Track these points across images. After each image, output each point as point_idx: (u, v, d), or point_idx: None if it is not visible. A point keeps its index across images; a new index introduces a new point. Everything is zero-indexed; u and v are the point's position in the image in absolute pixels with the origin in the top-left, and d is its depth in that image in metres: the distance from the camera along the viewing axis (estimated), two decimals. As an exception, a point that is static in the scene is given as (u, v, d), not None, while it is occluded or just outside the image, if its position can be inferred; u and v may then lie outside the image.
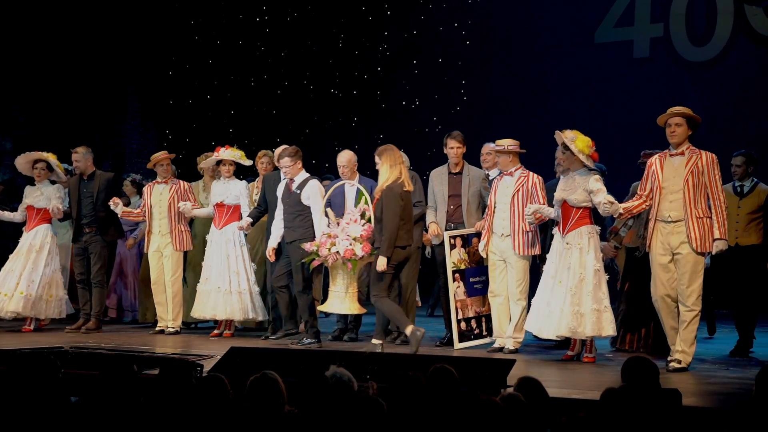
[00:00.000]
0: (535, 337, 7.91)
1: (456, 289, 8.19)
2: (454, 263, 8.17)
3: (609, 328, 7.26)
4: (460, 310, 8.17)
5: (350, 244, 7.67)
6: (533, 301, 7.49)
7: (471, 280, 8.22)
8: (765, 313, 9.45)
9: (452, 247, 8.16)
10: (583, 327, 7.20)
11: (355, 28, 14.31)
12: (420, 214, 8.39)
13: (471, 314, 8.19)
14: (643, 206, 7.12)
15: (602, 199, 7.19)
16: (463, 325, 8.17)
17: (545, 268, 7.51)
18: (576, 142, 7.30)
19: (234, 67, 14.21)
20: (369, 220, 7.82)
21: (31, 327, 9.34)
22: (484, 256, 8.01)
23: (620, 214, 7.26)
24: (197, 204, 9.27)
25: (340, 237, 7.71)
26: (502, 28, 13.77)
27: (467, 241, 8.23)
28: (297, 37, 14.30)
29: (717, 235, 6.87)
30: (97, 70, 12.92)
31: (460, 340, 8.12)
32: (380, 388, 4.63)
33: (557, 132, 7.44)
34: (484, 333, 8.19)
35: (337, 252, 7.68)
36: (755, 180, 8.07)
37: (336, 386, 4.20)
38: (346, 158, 8.66)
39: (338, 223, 7.87)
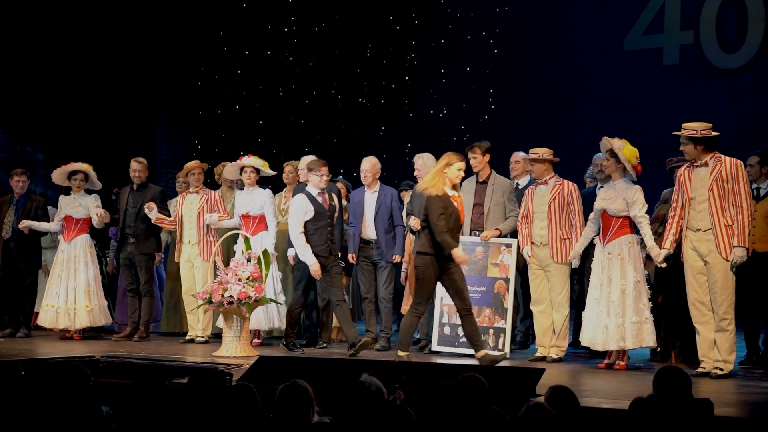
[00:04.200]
0: (587, 348, 7.90)
1: (445, 294, 8.20)
2: None
3: (650, 339, 7.33)
4: (446, 315, 8.19)
5: (242, 287, 7.87)
6: (584, 313, 7.49)
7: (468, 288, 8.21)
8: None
9: None
10: (626, 339, 7.25)
11: (383, 37, 14.34)
12: None
13: (459, 322, 8.16)
14: (679, 223, 7.07)
15: (638, 212, 7.24)
16: (447, 329, 8.18)
17: (590, 279, 7.53)
18: (623, 150, 7.33)
19: (262, 77, 14.28)
20: (258, 262, 8.21)
21: (80, 336, 9.49)
22: (529, 263, 8.01)
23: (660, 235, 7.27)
24: (226, 215, 9.29)
25: (231, 281, 7.91)
26: (531, 37, 13.75)
27: (470, 249, 8.21)
28: (325, 47, 14.36)
29: (735, 242, 6.82)
30: (127, 80, 13.02)
31: (439, 344, 8.21)
32: (409, 396, 4.63)
33: (605, 138, 7.44)
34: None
35: (231, 296, 7.84)
36: None
37: (367, 395, 4.19)
38: (370, 163, 8.79)
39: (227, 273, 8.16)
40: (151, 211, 9.23)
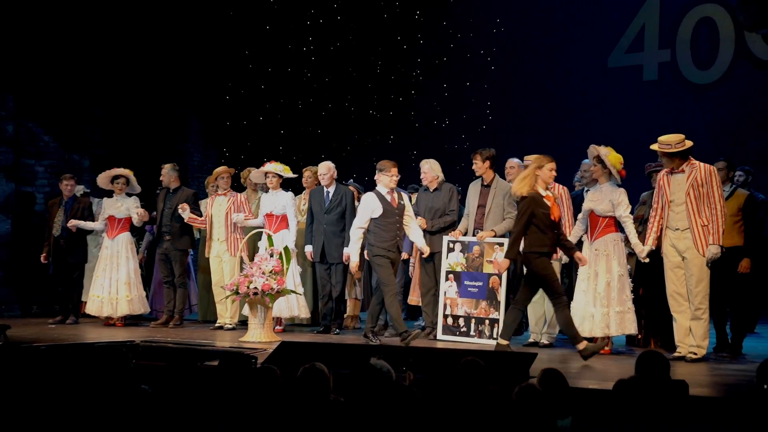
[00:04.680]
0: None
1: (447, 288, 8.18)
2: (450, 265, 8.19)
3: (631, 327, 7.33)
4: (448, 306, 8.18)
5: (266, 280, 7.87)
6: (572, 304, 7.48)
7: (466, 282, 8.16)
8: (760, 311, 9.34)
9: (451, 250, 8.21)
10: (610, 326, 7.24)
11: (391, 55, 14.34)
12: (450, 222, 8.42)
13: (460, 313, 8.13)
14: (660, 222, 7.08)
15: (623, 213, 7.23)
16: (449, 320, 8.16)
17: (578, 272, 7.52)
18: (609, 156, 7.32)
19: (283, 92, 14.30)
20: (280, 257, 8.11)
21: (122, 323, 9.50)
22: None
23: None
24: (251, 215, 9.31)
25: (256, 275, 7.90)
26: (524, 55, 13.73)
27: (468, 247, 8.19)
28: (339, 64, 14.36)
29: (711, 240, 6.85)
30: (163, 95, 13.06)
31: (443, 333, 8.17)
32: (417, 378, 4.63)
33: (593, 146, 7.43)
34: (472, 333, 8.05)
35: (255, 288, 7.85)
36: (734, 185, 7.75)
37: (377, 376, 4.19)
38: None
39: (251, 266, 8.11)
40: (184, 212, 9.27)
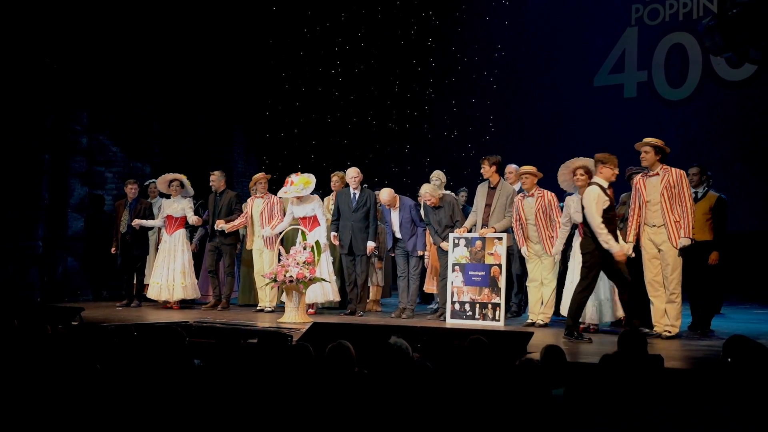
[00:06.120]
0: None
1: (454, 278, 8.11)
2: (456, 258, 8.11)
3: (621, 311, 7.24)
4: (455, 294, 8.10)
5: (300, 269, 7.83)
6: (565, 291, 7.42)
7: (470, 273, 8.07)
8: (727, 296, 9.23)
9: (456, 245, 8.12)
10: (604, 312, 7.23)
11: (407, 77, 14.31)
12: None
13: (465, 299, 8.04)
14: (638, 220, 7.00)
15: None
16: (456, 306, 8.08)
17: (569, 266, 7.47)
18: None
19: (315, 108, 14.30)
20: (312, 250, 8.06)
21: (177, 306, 9.50)
22: (527, 259, 7.89)
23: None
24: (279, 220, 9.21)
25: (291, 265, 7.87)
26: (522, 75, 13.66)
27: (471, 242, 8.13)
28: (362, 84, 14.35)
29: (682, 234, 6.80)
30: (212, 112, 13.11)
31: (452, 317, 8.09)
32: (428, 353, 4.59)
33: (582, 159, 7.34)
34: (477, 316, 7.97)
35: (291, 276, 7.84)
36: (707, 187, 7.65)
37: (396, 353, 4.17)
38: (386, 197, 8.59)
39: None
40: (222, 226, 9.28)
